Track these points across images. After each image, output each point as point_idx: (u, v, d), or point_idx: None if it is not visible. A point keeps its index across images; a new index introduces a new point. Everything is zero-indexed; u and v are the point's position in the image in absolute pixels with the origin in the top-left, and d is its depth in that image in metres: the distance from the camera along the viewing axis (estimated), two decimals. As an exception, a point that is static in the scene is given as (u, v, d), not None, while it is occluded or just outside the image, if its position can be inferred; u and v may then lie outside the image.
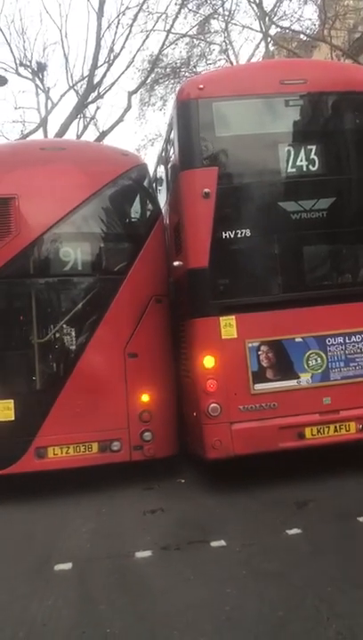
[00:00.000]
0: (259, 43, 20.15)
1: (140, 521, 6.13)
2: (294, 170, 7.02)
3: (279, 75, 7.19)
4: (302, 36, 19.47)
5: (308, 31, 18.88)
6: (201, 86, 7.03)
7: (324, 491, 6.37)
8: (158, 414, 7.34)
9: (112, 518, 6.33)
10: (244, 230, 6.84)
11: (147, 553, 5.21)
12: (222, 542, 5.25)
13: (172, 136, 7.81)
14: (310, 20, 19.34)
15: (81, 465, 7.12)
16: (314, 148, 7.02)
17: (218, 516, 6.05)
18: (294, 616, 3.91)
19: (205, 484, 7.14)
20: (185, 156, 7.10)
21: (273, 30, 19.40)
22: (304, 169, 7.01)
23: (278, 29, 19.44)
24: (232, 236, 6.82)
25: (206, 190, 6.73)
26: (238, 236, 6.83)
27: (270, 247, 7.07)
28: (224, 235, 6.81)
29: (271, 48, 20.44)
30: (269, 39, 19.42)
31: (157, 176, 9.47)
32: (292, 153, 6.99)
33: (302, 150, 7.00)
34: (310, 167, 7.01)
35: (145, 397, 7.31)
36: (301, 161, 6.99)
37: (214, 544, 5.26)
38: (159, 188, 9.12)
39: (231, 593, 4.29)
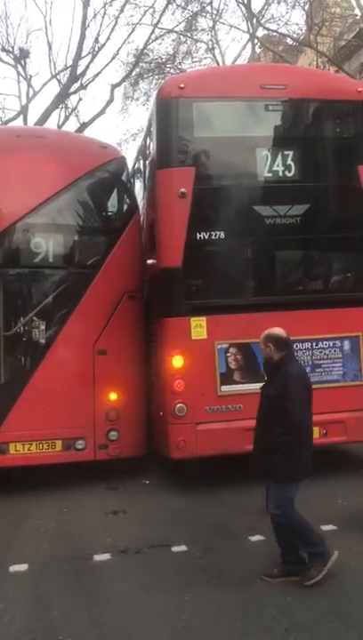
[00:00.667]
0: (246, 44, 20.10)
1: (101, 522, 6.00)
2: (270, 174, 7.06)
3: (260, 79, 7.22)
4: (288, 40, 19.50)
5: (295, 35, 18.91)
6: (182, 85, 6.99)
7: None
8: (126, 413, 7.20)
9: (73, 518, 6.18)
10: (218, 232, 6.86)
11: (106, 556, 5.09)
12: (184, 547, 5.16)
13: (151, 132, 7.73)
14: (297, 24, 19.43)
15: (43, 462, 6.95)
16: (291, 153, 7.08)
17: (181, 519, 5.95)
18: (252, 627, 3.83)
19: (170, 485, 7.03)
20: (163, 155, 7.06)
21: (260, 32, 19.37)
22: (281, 174, 7.05)
23: (266, 32, 19.41)
24: (207, 237, 6.83)
25: (183, 190, 6.72)
26: (213, 237, 6.84)
27: (243, 250, 7.15)
28: (199, 235, 6.80)
29: (258, 50, 20.43)
30: (255, 41, 19.39)
31: (136, 169, 9.34)
32: (269, 157, 7.05)
33: (280, 155, 7.05)
34: (287, 173, 7.06)
35: (113, 396, 7.17)
36: (277, 166, 7.04)
37: (176, 549, 5.16)
38: (138, 181, 8.96)
39: (190, 600, 4.20)
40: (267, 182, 7.10)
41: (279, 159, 7.03)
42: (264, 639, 3.68)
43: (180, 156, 6.90)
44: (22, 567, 4.90)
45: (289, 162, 7.03)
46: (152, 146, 7.61)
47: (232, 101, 7.14)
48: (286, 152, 7.07)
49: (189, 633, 3.81)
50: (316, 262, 7.57)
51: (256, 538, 5.26)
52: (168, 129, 6.98)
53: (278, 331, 4.66)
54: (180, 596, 4.26)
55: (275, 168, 7.03)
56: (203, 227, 6.82)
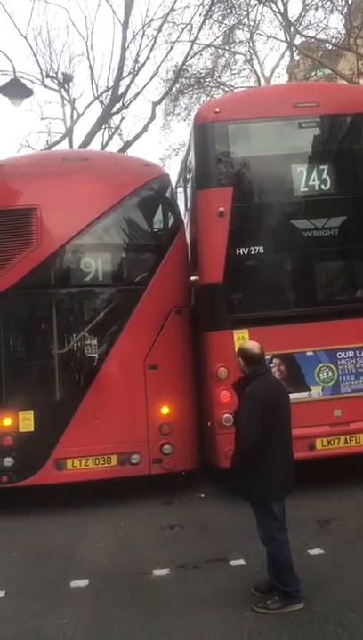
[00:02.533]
0: (284, 52, 20.06)
1: (158, 536, 6.03)
2: (306, 189, 7.26)
3: (293, 98, 7.47)
4: (327, 45, 19.32)
5: (333, 40, 18.71)
6: (217, 110, 7.35)
7: (347, 509, 6.21)
8: (179, 427, 7.25)
9: (130, 533, 6.24)
10: (257, 247, 7.10)
11: (164, 571, 5.11)
12: (242, 561, 5.13)
13: (190, 157, 8.08)
14: (335, 28, 19.19)
15: (100, 477, 7.06)
16: (326, 168, 7.26)
17: (238, 533, 5.88)
18: (315, 643, 3.76)
19: (225, 498, 6.97)
20: (201, 177, 7.44)
21: (298, 40, 19.28)
22: (316, 188, 7.24)
23: (304, 39, 19.31)
24: (246, 252, 7.07)
25: (221, 209, 7.00)
26: (252, 252, 7.09)
27: (282, 263, 7.36)
28: (238, 251, 7.06)
29: (296, 57, 20.34)
30: (294, 49, 19.31)
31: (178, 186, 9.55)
32: (304, 173, 7.24)
33: (315, 170, 7.24)
34: (322, 186, 7.25)
35: (165, 410, 7.23)
36: (313, 181, 7.23)
37: (234, 563, 5.14)
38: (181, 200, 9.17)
39: (250, 616, 4.16)
40: (303, 197, 7.30)
41: (314, 174, 7.22)
42: (327, 657, 3.61)
43: (218, 176, 7.24)
44: (83, 582, 4.98)
45: (324, 176, 7.24)
46: (192, 168, 7.89)
47: (266, 121, 7.39)
48: (320, 167, 7.26)
49: (250, 650, 3.78)
50: (354, 272, 7.70)
51: (315, 552, 5.19)
52: (206, 152, 7.31)
53: (250, 345, 4.53)
54: (240, 611, 4.22)
55: (310, 183, 7.22)
56: (242, 243, 7.06)
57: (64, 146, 18.83)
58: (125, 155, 15.37)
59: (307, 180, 7.20)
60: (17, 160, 8.92)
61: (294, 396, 6.18)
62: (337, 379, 6.93)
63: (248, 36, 19.74)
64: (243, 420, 4.24)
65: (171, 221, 8.00)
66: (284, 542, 4.27)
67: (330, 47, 19.44)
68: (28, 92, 13.75)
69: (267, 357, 6.62)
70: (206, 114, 7.47)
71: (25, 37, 18.73)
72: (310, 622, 4.00)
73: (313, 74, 20.89)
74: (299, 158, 7.37)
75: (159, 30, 18.26)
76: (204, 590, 4.65)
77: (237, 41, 20.21)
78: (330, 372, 6.93)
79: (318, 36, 18.80)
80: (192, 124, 7.91)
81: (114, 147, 19.24)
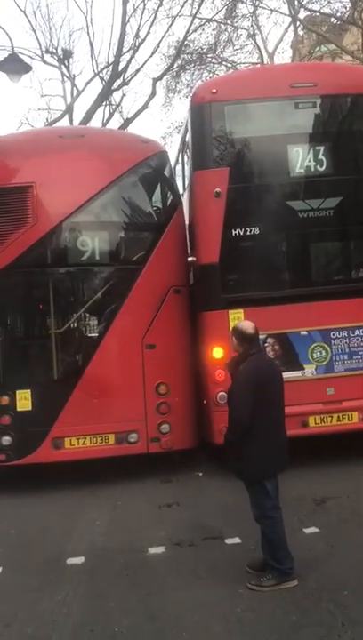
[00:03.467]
0: (287, 27, 19.62)
1: (155, 515, 6.06)
2: (302, 170, 7.26)
3: (290, 78, 7.45)
4: (332, 19, 18.91)
5: (338, 14, 18.33)
6: (214, 90, 7.31)
7: (344, 488, 6.22)
8: (176, 406, 7.25)
9: (127, 511, 6.27)
10: (253, 228, 7.12)
11: (160, 549, 5.14)
12: (237, 539, 5.15)
13: (188, 136, 8.03)
14: (340, 2, 18.78)
15: (97, 456, 7.08)
16: (322, 148, 7.25)
17: (234, 511, 5.87)
18: (307, 620, 3.78)
19: (222, 476, 6.96)
20: (198, 157, 7.44)
21: (302, 14, 18.87)
22: (312, 169, 7.24)
23: (308, 13, 18.91)
24: (242, 233, 7.10)
25: (218, 190, 7.02)
26: (248, 233, 7.11)
27: (277, 244, 7.46)
28: (234, 232, 7.09)
29: (300, 32, 19.92)
30: (297, 23, 18.91)
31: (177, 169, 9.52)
32: (301, 154, 7.22)
33: (311, 151, 7.23)
34: (319, 167, 7.24)
35: (163, 389, 7.22)
36: (309, 161, 7.22)
37: (229, 541, 5.17)
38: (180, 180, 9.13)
39: (244, 593, 4.18)
40: (299, 178, 7.29)
41: (311, 155, 7.21)
42: (320, 633, 3.62)
43: (214, 157, 7.24)
44: (79, 560, 5.01)
45: (320, 157, 7.26)
46: (188, 149, 7.88)
47: (263, 102, 7.35)
48: (317, 147, 7.23)
49: (242, 626, 3.79)
50: (349, 252, 7.74)
51: (311, 530, 5.22)
52: (202, 132, 7.31)
53: (245, 324, 4.49)
54: (234, 589, 4.25)
55: (307, 163, 7.21)
56: (238, 224, 7.09)
57: (64, 123, 18.58)
58: (122, 131, 15.19)
59: (303, 160, 7.20)
60: (12, 137, 8.79)
61: (287, 375, 6.32)
62: (331, 358, 7.05)
63: (251, 9, 19.36)
64: (235, 399, 4.23)
65: (169, 199, 7.89)
66: (278, 520, 4.27)
67: (335, 21, 19.04)
68: (26, 68, 13.51)
69: (262, 337, 6.65)
70: (203, 94, 7.47)
71: (23, 11, 18.45)
72: (304, 599, 4.02)
73: (317, 49, 20.53)
74: (296, 139, 7.37)
75: (160, 4, 17.93)
76: (199, 568, 4.69)
77: (240, 15, 19.84)
78: (324, 352, 7.05)
79: (322, 10, 18.44)
80: (189, 105, 7.92)
81: (115, 124, 18.97)
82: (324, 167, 7.22)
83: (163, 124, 48.26)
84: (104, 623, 3.96)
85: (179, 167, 9.53)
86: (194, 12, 18.45)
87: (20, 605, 4.30)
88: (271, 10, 19.43)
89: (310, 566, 4.45)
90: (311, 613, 3.85)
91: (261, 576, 4.28)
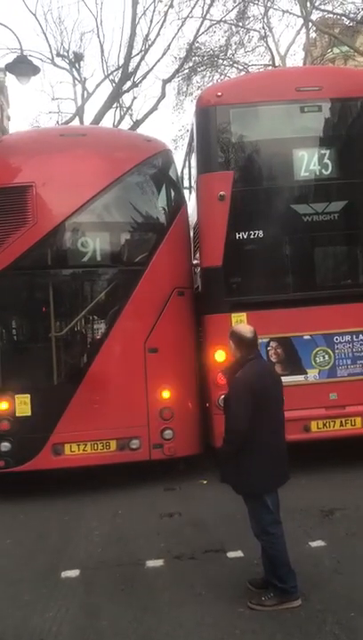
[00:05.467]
0: (300, 29, 19.43)
1: (155, 525, 5.84)
2: (306, 174, 7.24)
3: (295, 82, 7.41)
4: (345, 20, 18.63)
5: (351, 15, 18.05)
6: (219, 93, 7.35)
7: (353, 499, 5.97)
8: (180, 412, 7.04)
9: (128, 520, 6.06)
10: (257, 232, 7.11)
11: (159, 562, 4.92)
12: (240, 553, 4.92)
13: (193, 138, 7.99)
14: (353, 3, 18.49)
15: (98, 463, 6.90)
16: (327, 152, 7.24)
17: (238, 522, 5.60)
18: (311, 644, 3.54)
19: (228, 486, 6.76)
20: (203, 161, 7.46)
21: (315, 15, 18.63)
22: (317, 173, 7.23)
23: (320, 14, 18.64)
24: (246, 236, 7.10)
25: (222, 193, 7.02)
26: (252, 237, 7.11)
27: (281, 248, 7.36)
28: (238, 236, 7.08)
29: (313, 35, 19.68)
30: (310, 25, 18.66)
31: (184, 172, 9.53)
32: (305, 157, 7.19)
33: (316, 155, 7.22)
34: (323, 171, 7.23)
35: (166, 394, 7.01)
36: (314, 165, 7.21)
37: (231, 555, 4.94)
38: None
39: (244, 613, 3.95)
40: (303, 181, 7.28)
41: (315, 158, 7.19)
42: (323, 660, 3.39)
43: (219, 160, 7.30)
44: (74, 573, 4.81)
45: (325, 160, 7.22)
46: (194, 153, 7.86)
47: (268, 105, 7.34)
48: (322, 151, 7.24)
49: (241, 650, 3.56)
50: (353, 257, 7.68)
51: (317, 543, 4.98)
52: (208, 136, 7.34)
53: (243, 328, 4.28)
54: (234, 607, 4.02)
55: (311, 167, 7.19)
56: (242, 227, 7.08)
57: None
58: (125, 130, 15.05)
59: (308, 164, 7.18)
60: (13, 136, 8.73)
61: (290, 379, 6.40)
62: (334, 362, 7.01)
63: (263, 11, 19.15)
64: (232, 407, 4.00)
65: (173, 200, 7.66)
66: (278, 536, 4.03)
67: (348, 22, 18.77)
68: (35, 70, 13.43)
69: (264, 341, 6.67)
70: (209, 97, 7.49)
71: (34, 14, 18.41)
72: (307, 621, 3.77)
73: (329, 51, 20.30)
74: (301, 143, 7.35)
75: (170, 5, 17.80)
76: (198, 583, 4.46)
77: (252, 17, 19.65)
78: (327, 356, 7.02)
79: (334, 11, 18.17)
80: (195, 108, 7.91)
81: (125, 127, 18.88)
82: (328, 171, 7.21)
83: (174, 126, 48.25)
84: (94, 644, 3.75)
85: (186, 171, 9.42)
86: (204, 13, 18.33)
87: (8, 622, 4.11)
88: (283, 11, 19.26)
89: (315, 584, 4.21)
90: (315, 636, 3.61)
91: (262, 594, 4.04)
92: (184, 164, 9.74)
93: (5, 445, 6.80)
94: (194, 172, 8.12)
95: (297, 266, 7.33)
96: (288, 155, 7.24)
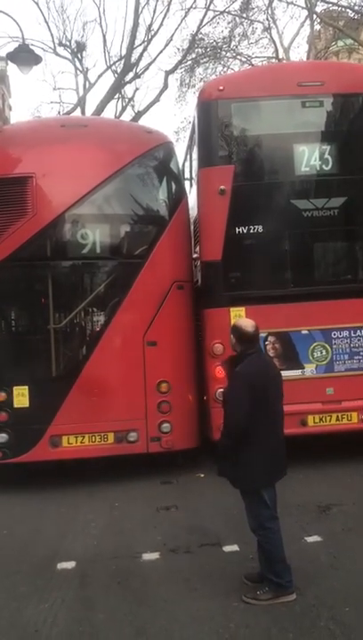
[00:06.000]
0: (304, 21, 19.27)
1: (152, 518, 5.85)
2: (307, 169, 7.23)
3: (297, 76, 7.40)
4: (349, 12, 18.50)
5: (356, 8, 17.93)
6: (221, 87, 7.30)
7: (350, 494, 5.98)
8: (178, 405, 7.03)
9: (124, 513, 6.06)
10: (257, 226, 7.10)
11: (155, 555, 4.92)
12: (236, 547, 4.93)
13: (194, 135, 8.00)
14: (358, -5, 18.34)
15: (96, 455, 6.90)
16: (328, 148, 7.22)
17: (235, 516, 5.61)
18: (304, 639, 3.53)
19: (225, 479, 6.77)
20: (203, 155, 7.44)
21: (319, 8, 18.49)
22: (318, 168, 7.22)
23: (325, 6, 18.51)
24: (245, 231, 7.09)
25: (222, 187, 7.01)
26: (251, 231, 7.10)
27: (281, 243, 7.34)
28: (238, 230, 7.08)
29: (317, 27, 19.53)
30: (314, 17, 18.52)
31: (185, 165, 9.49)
32: (306, 153, 7.18)
33: (317, 150, 7.20)
34: (324, 167, 7.22)
35: (164, 387, 6.99)
36: (314, 160, 7.19)
37: (227, 548, 4.94)
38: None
39: (239, 607, 3.95)
40: (304, 177, 7.29)
41: (316, 154, 7.17)
42: (318, 654, 3.39)
43: (220, 155, 7.29)
44: (70, 565, 4.82)
45: (326, 156, 7.20)
46: (195, 146, 7.84)
47: (270, 100, 7.32)
48: (323, 147, 7.22)
49: (235, 644, 3.56)
50: (352, 253, 7.70)
51: (313, 539, 4.98)
52: (209, 130, 7.32)
53: (245, 323, 4.24)
54: (229, 602, 4.02)
55: (312, 163, 7.18)
56: (241, 222, 7.07)
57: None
58: (126, 121, 14.94)
59: (309, 159, 7.17)
60: (14, 127, 8.66)
61: (287, 374, 6.33)
62: (331, 358, 7.02)
63: (267, 2, 19.01)
64: (231, 401, 3.99)
65: (174, 193, 7.60)
66: (275, 532, 4.03)
67: (353, 15, 18.64)
68: (37, 59, 13.33)
69: (262, 335, 6.52)
70: (210, 91, 7.45)
71: (36, 3, 18.30)
72: (302, 616, 3.78)
73: (334, 43, 20.17)
74: (302, 138, 7.31)
75: (174, -5, 17.63)
76: (194, 577, 4.46)
77: (256, 8, 19.50)
78: (324, 351, 7.03)
79: (339, 3, 18.05)
80: (196, 102, 7.90)
81: (127, 118, 18.79)
82: (329, 166, 7.19)
83: (176, 118, 48.02)
84: (89, 636, 3.76)
85: (188, 164, 9.37)
86: (208, 4, 18.20)
87: (3, 613, 4.11)
88: (288, 2, 19.09)
89: (310, 579, 4.21)
90: (309, 631, 3.61)
91: (257, 588, 4.05)
92: (186, 157, 9.71)
93: (3, 436, 6.79)
94: (195, 165, 8.09)
95: (296, 261, 7.33)
96: (289, 150, 7.22)
